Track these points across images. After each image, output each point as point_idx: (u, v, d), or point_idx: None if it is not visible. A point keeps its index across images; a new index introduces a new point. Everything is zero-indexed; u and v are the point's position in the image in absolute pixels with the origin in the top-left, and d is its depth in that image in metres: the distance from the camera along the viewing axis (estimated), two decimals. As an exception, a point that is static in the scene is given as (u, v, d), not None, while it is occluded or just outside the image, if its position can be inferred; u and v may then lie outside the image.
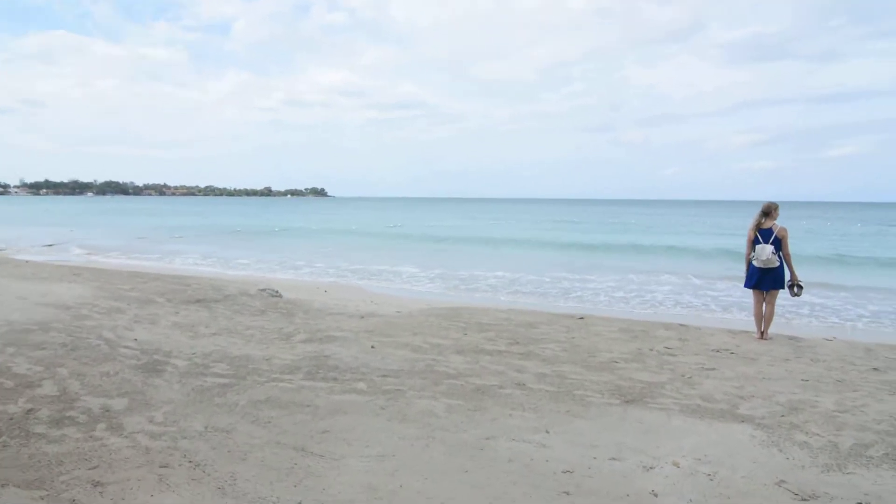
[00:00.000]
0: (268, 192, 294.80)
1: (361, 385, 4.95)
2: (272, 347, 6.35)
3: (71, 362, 5.50)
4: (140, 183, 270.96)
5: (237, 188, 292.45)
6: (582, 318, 7.75)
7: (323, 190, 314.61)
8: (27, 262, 13.66)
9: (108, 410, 4.36)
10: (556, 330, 7.02)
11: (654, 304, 11.10)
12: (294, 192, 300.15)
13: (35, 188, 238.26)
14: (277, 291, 10.18)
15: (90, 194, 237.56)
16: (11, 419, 4.14)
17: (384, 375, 5.24)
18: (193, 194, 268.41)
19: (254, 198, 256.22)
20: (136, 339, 6.51)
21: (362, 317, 8.09)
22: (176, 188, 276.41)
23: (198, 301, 8.94)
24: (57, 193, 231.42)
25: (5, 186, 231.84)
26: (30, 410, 4.29)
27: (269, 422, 4.12)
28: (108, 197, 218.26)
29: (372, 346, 6.17)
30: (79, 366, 5.41)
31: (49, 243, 23.23)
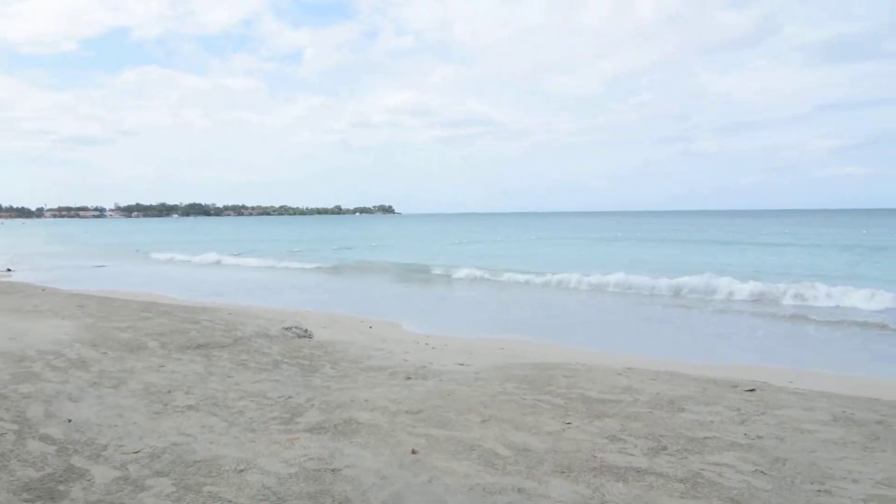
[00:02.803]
0: (338, 211, 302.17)
1: (380, 570, 2.47)
2: (260, 440, 4.01)
3: (-75, 477, 3.38)
4: (220, 204, 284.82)
5: (309, 207, 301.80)
6: (752, 389, 4.93)
7: (391, 207, 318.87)
8: (44, 290, 12.24)
9: None
10: (719, 415, 4.26)
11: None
12: (363, 210, 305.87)
13: (127, 211, 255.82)
14: (307, 330, 7.96)
15: (176, 216, 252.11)
16: None
17: (429, 535, 2.74)
18: (269, 214, 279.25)
19: (324, 216, 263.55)
20: (69, 420, 4.37)
21: (409, 377, 5.64)
22: (253, 208, 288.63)
23: (198, 347, 6.82)
24: (147, 215, 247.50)
25: (101, 210, 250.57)
26: None
27: None
28: (191, 218, 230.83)
29: (413, 451, 3.68)
30: (-69, 485, 3.27)
31: (100, 264, 22.56)
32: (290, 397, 5.05)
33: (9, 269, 19.07)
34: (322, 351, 6.94)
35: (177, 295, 13.08)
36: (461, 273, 17.46)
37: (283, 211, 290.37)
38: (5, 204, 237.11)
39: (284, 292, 14.76)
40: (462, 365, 6.37)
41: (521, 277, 16.44)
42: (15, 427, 4.18)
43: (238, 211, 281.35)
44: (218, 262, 23.24)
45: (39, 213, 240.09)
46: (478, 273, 17.16)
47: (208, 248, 32.62)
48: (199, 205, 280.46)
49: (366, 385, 5.38)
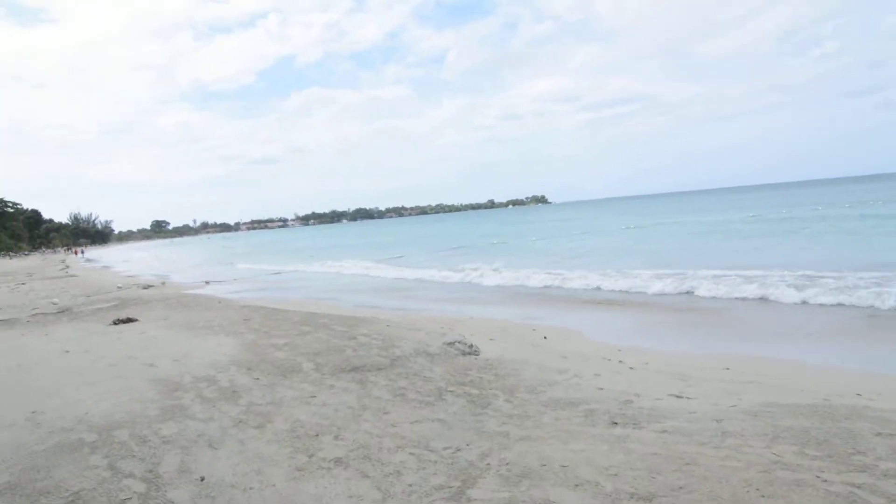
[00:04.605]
0: (491, 205, 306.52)
1: None
2: (422, 532, 2.83)
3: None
4: (382, 207, 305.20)
5: (463, 203, 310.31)
6: None
7: (543, 197, 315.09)
8: (220, 302, 12.71)
9: None
10: None
11: None
12: (516, 202, 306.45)
13: (305, 220, 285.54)
14: (472, 346, 6.80)
15: (345, 221, 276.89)
16: None
17: None
18: (426, 213, 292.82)
19: (477, 211, 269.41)
20: (202, 479, 3.61)
21: (614, 421, 4.14)
22: (411, 209, 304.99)
23: (354, 370, 5.98)
24: (321, 222, 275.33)
25: (284, 220, 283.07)
26: None
27: None
28: (357, 222, 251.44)
29: None
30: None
31: (277, 271, 24.12)
32: (458, 449, 3.85)
33: (206, 282, 20.94)
34: (492, 374, 5.71)
35: (338, 302, 12.90)
36: (644, 278, 14.24)
37: (439, 209, 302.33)
38: (210, 221, 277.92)
39: (443, 295, 13.96)
40: (681, 398, 4.69)
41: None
42: (142, 488, 3.49)
43: (398, 212, 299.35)
44: (377, 265, 23.56)
45: (237, 226, 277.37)
46: (659, 271, 14.29)
47: (370, 251, 33.79)
48: (364, 209, 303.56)
49: (555, 432, 3.99)
